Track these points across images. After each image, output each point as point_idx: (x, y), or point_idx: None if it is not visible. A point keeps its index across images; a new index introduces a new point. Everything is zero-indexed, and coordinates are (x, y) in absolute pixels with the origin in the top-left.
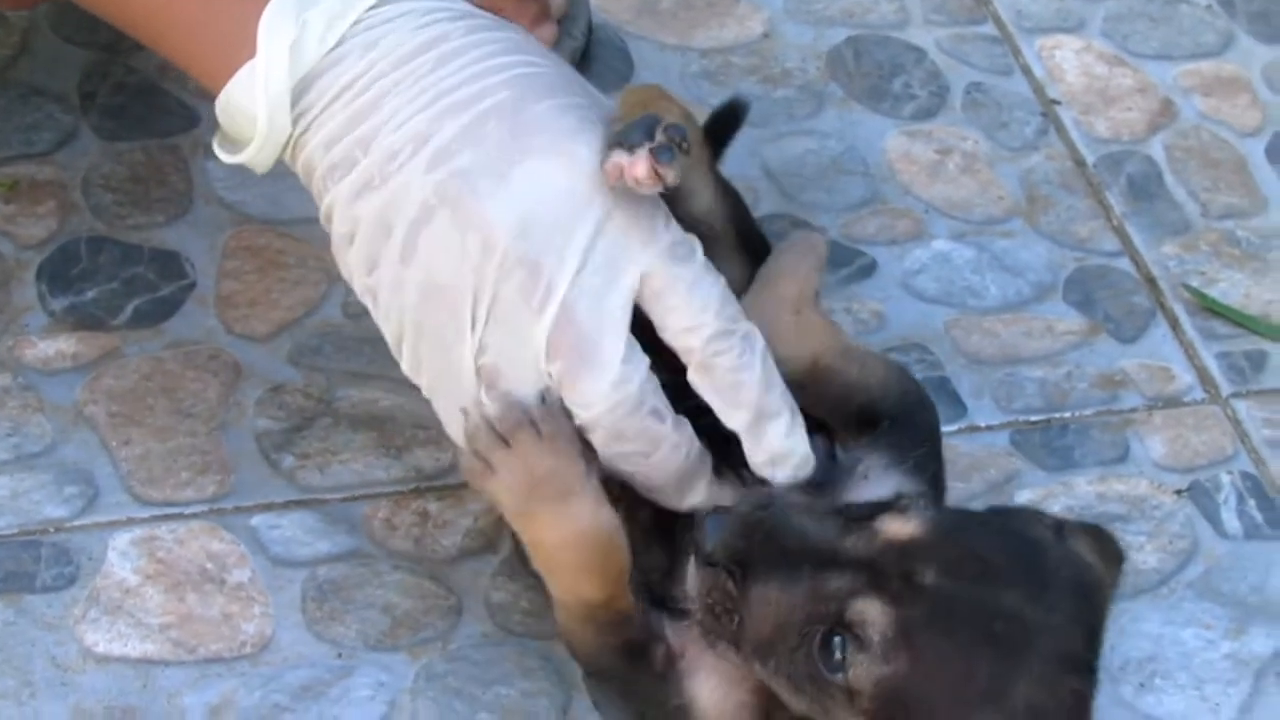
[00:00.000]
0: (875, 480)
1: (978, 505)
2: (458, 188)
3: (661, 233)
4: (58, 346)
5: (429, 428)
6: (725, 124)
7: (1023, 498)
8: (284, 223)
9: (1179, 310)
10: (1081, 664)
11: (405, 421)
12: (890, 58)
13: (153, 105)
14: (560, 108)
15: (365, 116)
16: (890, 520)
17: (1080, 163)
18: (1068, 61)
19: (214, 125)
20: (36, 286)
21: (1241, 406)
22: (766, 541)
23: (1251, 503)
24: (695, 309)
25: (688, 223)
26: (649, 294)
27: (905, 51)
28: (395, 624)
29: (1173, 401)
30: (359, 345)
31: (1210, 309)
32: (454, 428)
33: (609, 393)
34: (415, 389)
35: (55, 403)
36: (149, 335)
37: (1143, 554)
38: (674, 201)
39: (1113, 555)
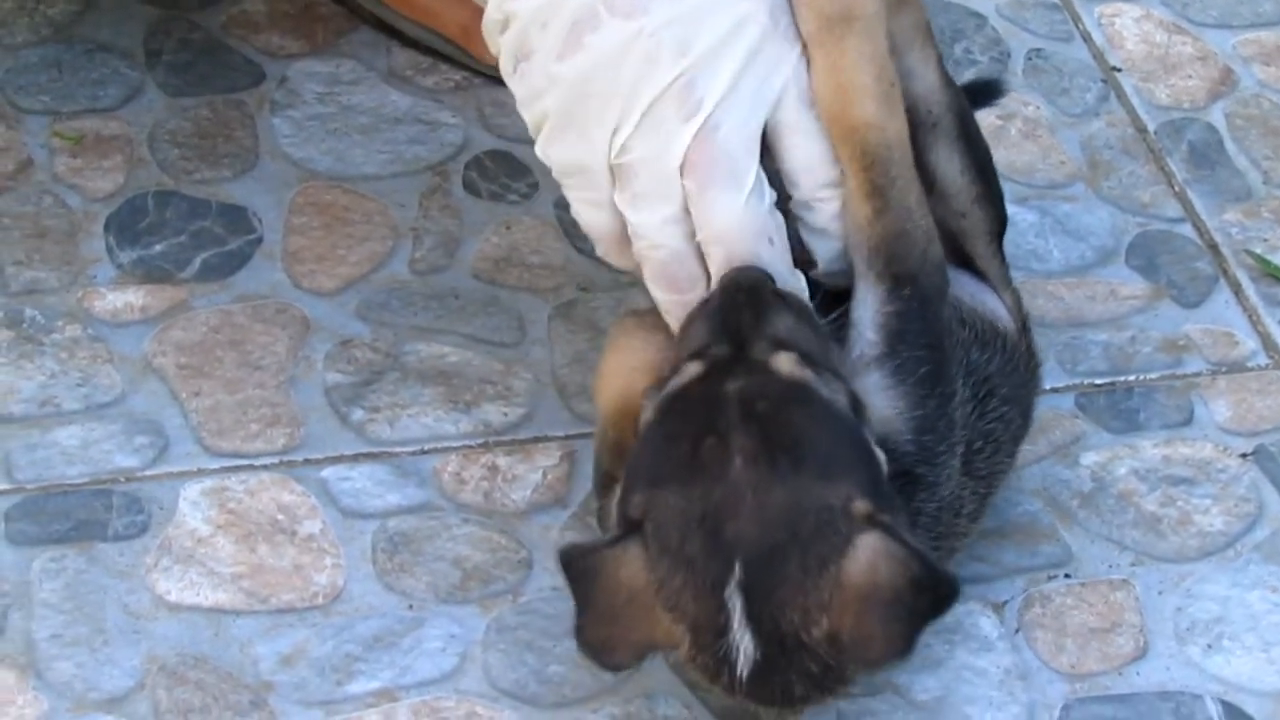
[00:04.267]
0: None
1: (1038, 468)
2: (629, 2)
3: (800, 77)
4: (126, 299)
5: (496, 382)
6: (977, 96)
7: (1088, 460)
8: (350, 179)
9: (1242, 276)
10: (719, 560)
11: (473, 376)
12: (951, 23)
13: (218, 62)
14: None
15: None
16: (784, 355)
17: (1141, 129)
18: (1127, 29)
19: (278, 83)
20: (105, 239)
21: None
22: (747, 299)
23: None
24: (816, 154)
25: (908, 101)
26: (778, 127)
27: (966, 17)
28: (466, 576)
29: (1236, 366)
30: (426, 301)
31: (1273, 275)
32: (580, 211)
33: (738, 212)
34: (483, 344)
35: (124, 354)
36: (216, 288)
37: (1209, 517)
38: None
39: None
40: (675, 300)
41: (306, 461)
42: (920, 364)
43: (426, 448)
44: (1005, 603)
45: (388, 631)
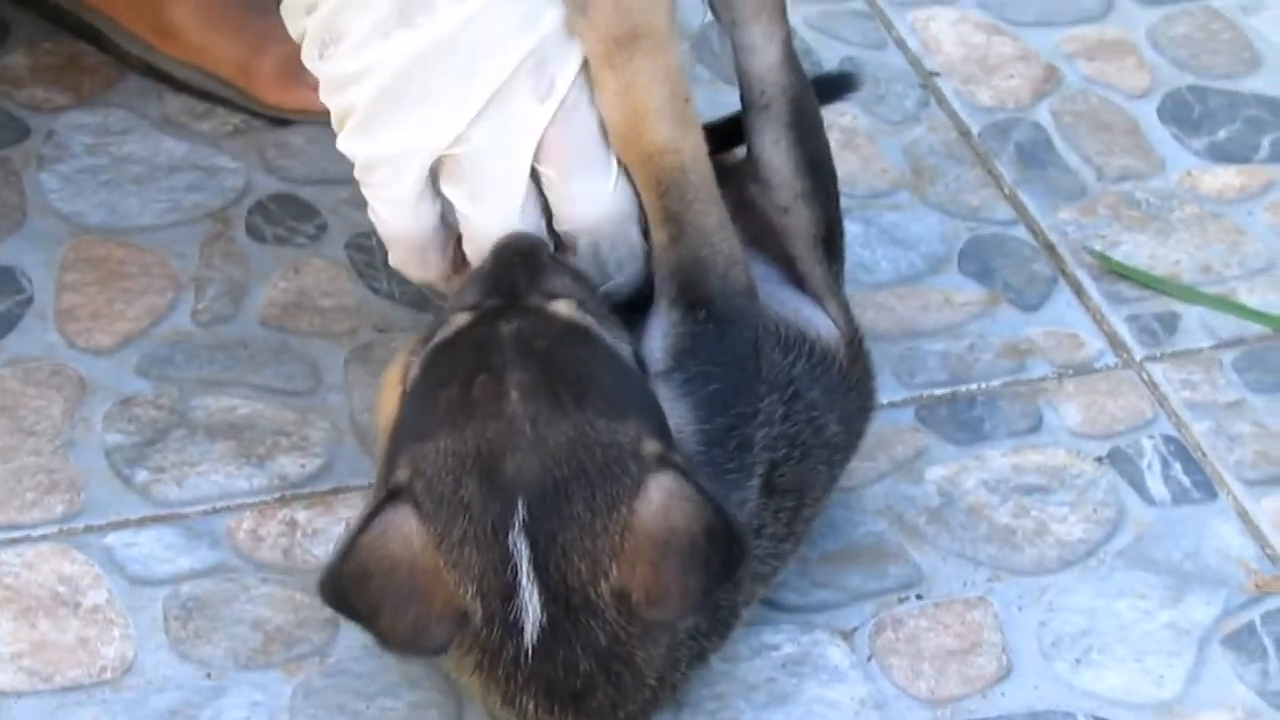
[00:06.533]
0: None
1: (880, 486)
2: None
3: None
4: None
5: (291, 433)
6: (829, 89)
7: (934, 475)
8: (124, 231)
9: (1082, 275)
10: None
11: (266, 428)
12: None
13: None
14: None
15: None
16: (563, 301)
17: (965, 133)
18: (944, 33)
19: (45, 137)
20: None
21: (1157, 369)
22: (521, 260)
23: (1177, 466)
24: None
25: (742, 78)
26: None
27: None
28: (268, 639)
29: (1084, 368)
30: (212, 352)
31: (1116, 272)
32: (381, 210)
33: (607, 199)
34: (275, 394)
35: None
36: None
37: (1067, 525)
38: (735, 51)
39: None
40: None
41: (88, 529)
42: (709, 380)
43: (218, 506)
44: (855, 629)
45: (185, 704)
